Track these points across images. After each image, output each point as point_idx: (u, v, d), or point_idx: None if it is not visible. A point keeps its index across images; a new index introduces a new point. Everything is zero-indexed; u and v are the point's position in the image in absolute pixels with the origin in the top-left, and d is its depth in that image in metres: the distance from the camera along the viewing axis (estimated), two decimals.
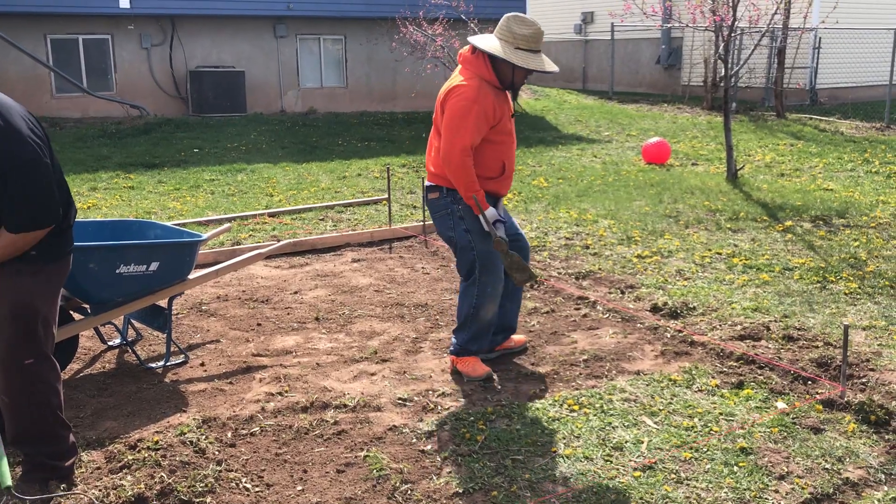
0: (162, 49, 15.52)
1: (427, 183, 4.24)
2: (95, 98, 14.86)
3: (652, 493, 3.12)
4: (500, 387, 4.13)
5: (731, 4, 9.20)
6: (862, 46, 17.51)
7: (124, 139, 13.05)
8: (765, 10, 10.05)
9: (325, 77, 17.29)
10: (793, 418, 3.71)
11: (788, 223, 7.44)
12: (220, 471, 3.29)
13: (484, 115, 3.95)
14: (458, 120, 3.93)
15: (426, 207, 4.27)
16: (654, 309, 5.26)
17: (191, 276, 4.52)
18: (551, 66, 4.11)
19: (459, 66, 4.15)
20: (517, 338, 4.62)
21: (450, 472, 3.28)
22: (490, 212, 4.02)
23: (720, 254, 6.51)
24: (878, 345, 4.61)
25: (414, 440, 3.56)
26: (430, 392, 4.06)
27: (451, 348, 4.34)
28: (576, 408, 3.84)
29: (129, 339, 4.73)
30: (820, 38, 17.50)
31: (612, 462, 3.36)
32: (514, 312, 4.53)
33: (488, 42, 4.03)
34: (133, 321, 4.77)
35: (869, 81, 18.39)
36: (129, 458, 3.34)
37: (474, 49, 4.07)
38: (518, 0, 18.13)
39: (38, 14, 14.23)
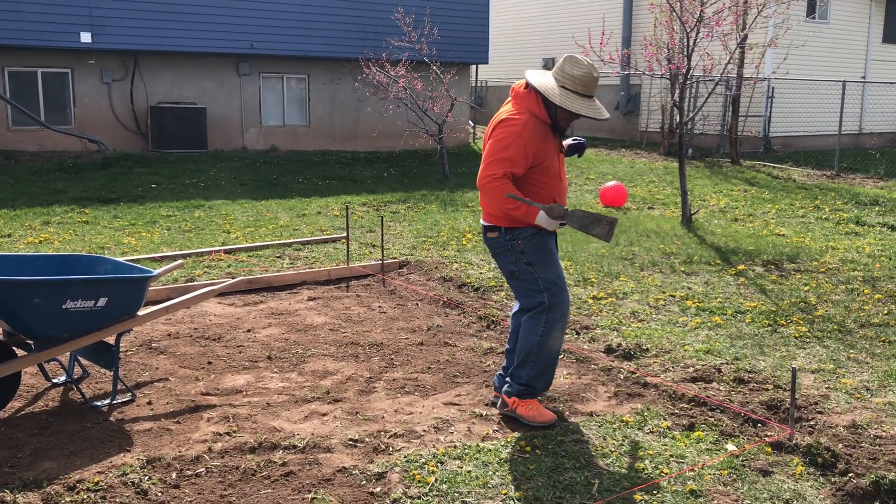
0: (123, 84, 15.43)
1: (484, 223, 4.20)
2: (53, 132, 14.68)
3: None
4: (454, 427, 4.10)
5: (685, 54, 9.45)
6: (813, 96, 18.08)
7: (81, 173, 12.88)
8: (718, 59, 10.33)
9: (288, 115, 17.31)
10: (742, 461, 3.73)
11: (741, 267, 7.56)
12: None
13: (526, 148, 3.91)
14: (499, 148, 3.92)
15: (486, 245, 4.30)
16: (609, 350, 5.29)
17: (140, 313, 4.44)
18: (599, 113, 4.03)
19: (510, 100, 4.12)
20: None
21: None
22: (541, 214, 3.92)
23: (674, 296, 6.59)
24: (826, 388, 4.67)
25: (363, 482, 3.50)
26: (382, 433, 4.01)
27: (511, 389, 4.15)
28: (528, 449, 3.82)
29: (75, 377, 4.61)
30: (773, 87, 18.03)
31: None
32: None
33: (541, 79, 4.03)
34: (79, 358, 4.65)
35: (820, 130, 18.95)
36: (67, 499, 3.24)
37: (527, 84, 4.04)
38: (481, 45, 18.46)
39: None
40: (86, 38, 14.24)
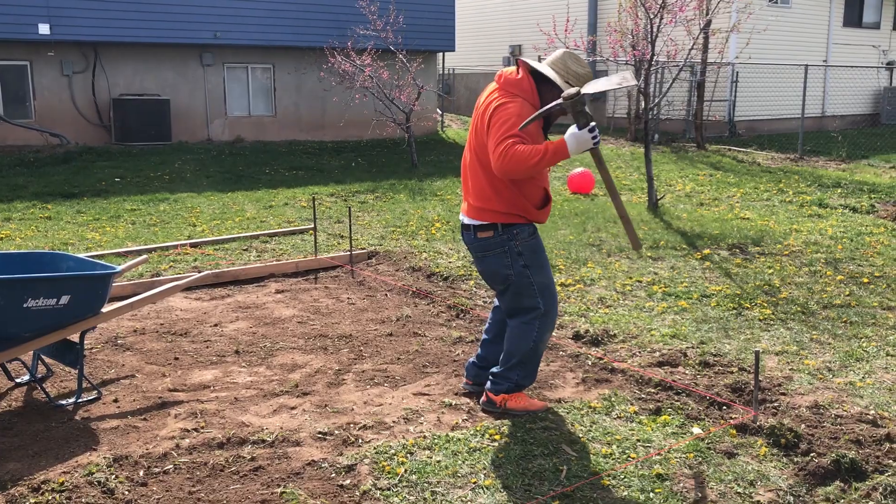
0: (84, 76, 15.17)
1: (472, 221, 3.98)
2: (13, 126, 14.40)
3: None
4: (423, 417, 4.11)
5: (649, 40, 9.50)
6: (777, 81, 18.29)
7: (42, 168, 12.66)
8: (682, 45, 10.40)
9: (253, 106, 17.15)
10: (707, 443, 3.79)
11: (706, 251, 7.65)
12: None
13: (528, 131, 3.76)
14: (511, 118, 3.69)
15: (470, 246, 4.05)
16: (577, 336, 5.33)
17: (104, 310, 4.39)
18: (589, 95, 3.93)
19: (495, 85, 3.96)
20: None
21: None
22: (570, 137, 3.68)
23: (640, 281, 6.65)
24: (790, 369, 4.75)
25: (333, 475, 3.50)
26: (352, 425, 4.01)
27: (498, 387, 4.11)
28: (497, 437, 3.84)
29: (38, 376, 4.55)
30: (737, 72, 18.20)
31: (531, 491, 3.36)
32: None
33: (546, 71, 3.87)
34: (43, 357, 4.59)
35: (784, 114, 19.19)
36: (32, 501, 3.20)
37: (520, 71, 3.91)
38: (447, 32, 18.40)
39: None
40: (44, 29, 13.96)
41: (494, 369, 4.19)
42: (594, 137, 3.70)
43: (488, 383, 4.20)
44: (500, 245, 3.95)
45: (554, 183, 12.34)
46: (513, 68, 3.98)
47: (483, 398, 4.22)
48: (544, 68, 3.90)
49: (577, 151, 3.71)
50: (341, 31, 15.34)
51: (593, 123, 3.70)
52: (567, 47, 10.07)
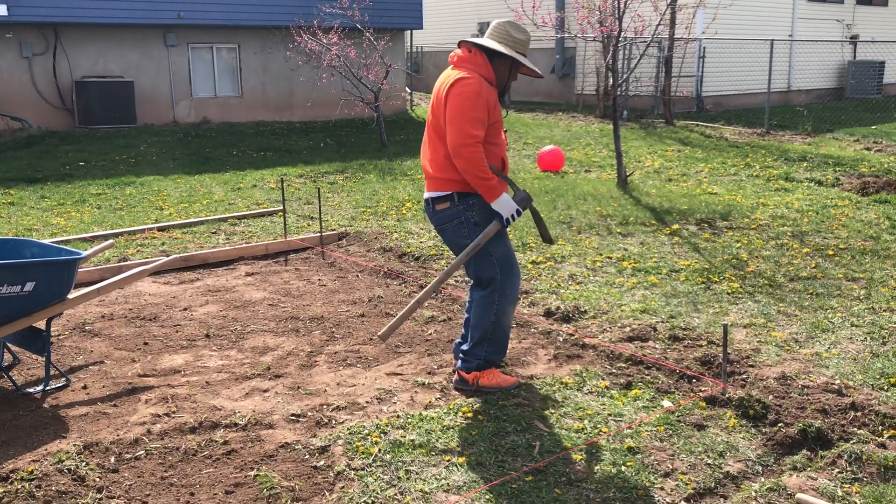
0: (45, 58, 14.85)
1: (432, 194, 4.06)
2: None
3: (543, 497, 3.16)
4: (396, 397, 4.11)
5: (616, 16, 9.50)
6: (743, 56, 18.40)
7: (4, 153, 12.41)
8: (649, 21, 10.42)
9: (219, 87, 16.91)
10: (678, 416, 3.84)
11: (675, 226, 7.71)
12: (101, 498, 3.15)
13: (487, 108, 3.89)
14: (468, 108, 3.84)
15: (432, 220, 4.13)
16: (548, 313, 5.36)
17: (71, 296, 4.32)
18: (531, 66, 4.11)
19: (452, 67, 4.07)
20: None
21: (342, 488, 3.24)
22: (505, 196, 3.94)
23: (611, 258, 6.69)
24: (758, 342, 4.82)
25: (307, 456, 3.50)
26: (325, 406, 4.00)
27: (468, 365, 4.14)
28: (470, 415, 3.86)
29: (5, 364, 4.48)
30: (704, 47, 18.29)
31: (504, 467, 3.39)
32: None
33: (494, 44, 4.00)
34: (9, 345, 4.52)
35: (750, 89, 19.33)
36: (0, 490, 3.16)
37: (471, 49, 4.02)
38: (414, 10, 18.25)
39: None
40: (1, 10, 13.62)
41: (464, 347, 4.21)
42: (510, 218, 3.97)
43: (459, 362, 4.22)
44: (458, 216, 4.03)
45: (524, 161, 12.35)
46: (462, 49, 4.08)
47: (455, 377, 4.24)
48: (491, 43, 4.02)
49: (498, 207, 3.94)
50: (307, 10, 15.15)
51: (522, 210, 4.01)
52: (535, 24, 10.06)
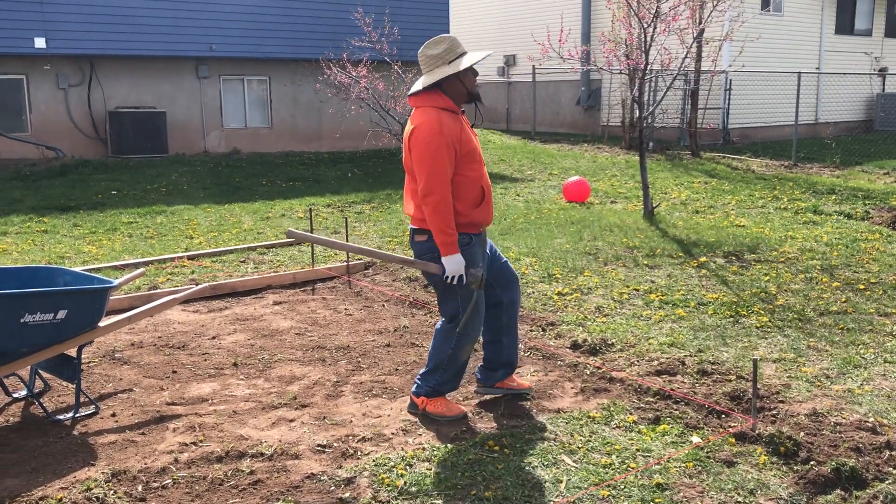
0: (80, 89, 15.18)
1: (412, 226, 4.19)
2: (8, 139, 14.39)
3: None
4: (422, 429, 4.10)
5: (643, 49, 9.54)
6: (770, 88, 18.36)
7: (39, 182, 12.65)
8: (676, 53, 10.45)
9: (250, 117, 17.17)
10: (707, 452, 3.79)
11: (703, 259, 7.67)
12: None
13: (451, 143, 3.94)
14: (430, 154, 3.91)
15: (412, 248, 4.26)
16: (575, 346, 5.33)
17: (102, 324, 4.38)
18: (483, 52, 4.13)
19: (413, 110, 4.13)
20: (522, 381, 4.57)
21: None
22: (457, 258, 3.99)
23: (637, 290, 6.66)
24: (788, 377, 4.76)
25: (332, 488, 3.50)
26: (351, 437, 4.00)
27: (419, 390, 4.25)
28: (496, 448, 3.84)
29: (36, 391, 4.54)
30: (730, 80, 18.27)
31: (531, 503, 3.36)
32: (512, 347, 4.46)
33: (429, 79, 4.06)
34: (40, 371, 4.58)
35: (777, 121, 19.25)
36: None
37: (423, 89, 4.08)
38: None
39: None
40: (40, 43, 13.97)
41: (421, 370, 4.32)
42: (451, 277, 4.00)
43: (414, 385, 4.32)
44: (432, 249, 4.08)
45: (549, 192, 12.37)
46: (416, 96, 4.12)
47: (409, 400, 4.34)
48: (426, 81, 4.07)
49: (446, 262, 3.98)
50: (337, 43, 15.38)
51: (467, 281, 4.06)
52: (561, 57, 10.13)
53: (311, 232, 7.54)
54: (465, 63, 4.04)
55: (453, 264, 3.99)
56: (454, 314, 4.16)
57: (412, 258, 4.24)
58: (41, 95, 14.92)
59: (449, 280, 4.03)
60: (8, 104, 14.73)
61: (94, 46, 14.54)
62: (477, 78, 4.17)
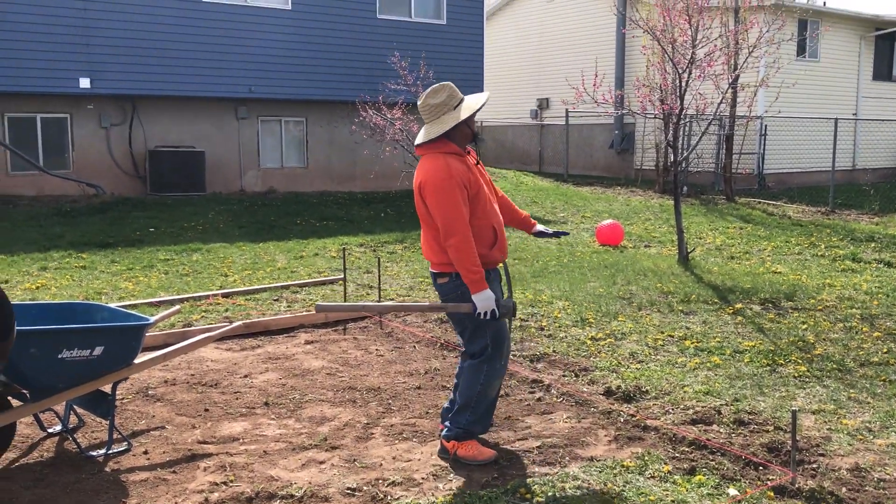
0: (121, 128, 15.54)
1: (433, 270, 4.27)
2: (51, 176, 14.73)
3: None
4: (453, 474, 4.06)
5: (678, 94, 9.55)
6: (806, 134, 18.24)
7: (79, 218, 12.91)
8: (711, 99, 10.44)
9: (286, 157, 17.42)
10: None
11: (738, 305, 7.56)
12: None
13: (462, 184, 4.02)
14: (445, 198, 3.99)
15: (436, 289, 4.32)
16: (608, 392, 5.26)
17: (137, 361, 4.42)
18: (482, 97, 4.23)
19: (420, 159, 4.23)
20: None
21: None
22: (487, 293, 4.02)
23: (672, 336, 6.57)
24: (828, 429, 4.64)
25: None
26: (381, 481, 3.97)
27: (450, 433, 4.24)
28: (528, 496, 3.78)
29: (70, 426, 4.58)
30: (766, 125, 18.19)
31: None
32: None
33: (438, 128, 4.13)
34: (75, 407, 4.62)
35: (813, 167, 19.08)
36: None
37: (432, 140, 4.14)
38: (475, 87, 18.62)
39: None
40: (84, 83, 14.36)
41: (451, 414, 4.28)
42: (484, 313, 4.03)
43: (444, 429, 4.28)
44: (455, 289, 4.14)
45: (582, 234, 12.33)
46: (422, 147, 4.20)
47: (440, 445, 4.28)
48: (431, 133, 4.13)
49: (477, 299, 4.00)
50: (373, 86, 15.60)
51: (501, 315, 4.10)
52: (596, 101, 10.17)
53: (344, 272, 7.58)
54: (470, 107, 4.14)
55: (483, 300, 4.02)
56: (482, 349, 4.20)
57: (441, 303, 4.27)
58: (84, 134, 15.29)
59: (482, 316, 4.04)
60: (52, 142, 15.11)
61: (136, 87, 14.91)
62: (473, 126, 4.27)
